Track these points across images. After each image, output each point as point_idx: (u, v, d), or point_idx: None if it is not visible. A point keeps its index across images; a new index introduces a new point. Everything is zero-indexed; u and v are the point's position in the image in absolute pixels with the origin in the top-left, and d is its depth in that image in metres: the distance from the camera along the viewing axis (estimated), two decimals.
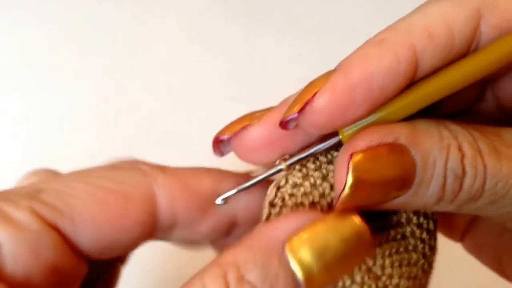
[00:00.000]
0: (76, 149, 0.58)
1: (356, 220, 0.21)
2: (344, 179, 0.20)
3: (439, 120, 0.22)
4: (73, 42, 0.66)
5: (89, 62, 0.65)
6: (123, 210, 0.24)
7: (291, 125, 0.22)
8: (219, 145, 0.25)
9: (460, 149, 0.21)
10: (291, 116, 0.22)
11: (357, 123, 0.22)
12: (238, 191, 0.25)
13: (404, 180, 0.21)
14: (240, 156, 0.25)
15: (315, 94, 0.21)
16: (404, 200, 0.21)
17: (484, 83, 0.25)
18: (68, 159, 0.56)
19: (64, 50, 0.65)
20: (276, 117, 0.23)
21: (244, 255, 0.21)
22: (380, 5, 0.66)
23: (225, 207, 0.26)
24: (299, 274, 0.21)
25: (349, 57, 0.22)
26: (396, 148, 0.20)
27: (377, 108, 0.21)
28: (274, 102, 0.25)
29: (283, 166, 0.24)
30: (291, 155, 0.24)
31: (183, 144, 0.58)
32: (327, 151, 0.24)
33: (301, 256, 0.21)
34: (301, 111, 0.21)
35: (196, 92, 0.63)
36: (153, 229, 0.25)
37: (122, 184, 0.24)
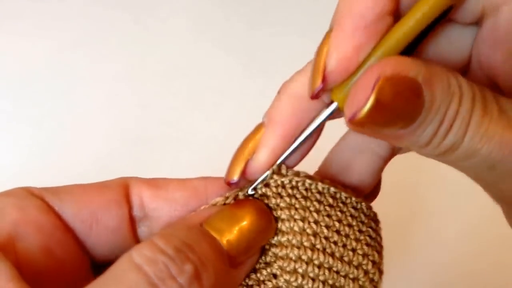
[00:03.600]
0: (90, 151, 0.60)
1: (264, 207, 0.26)
2: (365, 98, 0.22)
3: (449, 68, 0.23)
4: (81, 48, 0.67)
5: (99, 66, 0.66)
6: (101, 190, 0.28)
7: (320, 94, 0.25)
8: (233, 186, 0.28)
9: (460, 100, 0.22)
10: (318, 88, 0.24)
11: (346, 82, 0.24)
12: (262, 181, 0.27)
13: (412, 117, 0.22)
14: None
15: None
16: (400, 134, 0.23)
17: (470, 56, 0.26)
18: (82, 160, 0.57)
19: (75, 55, 0.67)
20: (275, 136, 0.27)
21: (164, 228, 0.25)
22: None
23: None
24: (218, 237, 0.24)
25: (337, 8, 0.24)
26: (413, 85, 0.22)
27: (374, 48, 0.23)
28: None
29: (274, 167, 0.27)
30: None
31: (198, 143, 0.58)
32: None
33: (216, 225, 0.24)
34: (323, 80, 0.24)
35: (204, 90, 0.63)
36: (128, 213, 0.28)
37: (101, 182, 0.28)
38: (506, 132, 0.22)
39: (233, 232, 0.24)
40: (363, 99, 0.22)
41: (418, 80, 0.22)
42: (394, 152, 0.29)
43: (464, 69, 0.27)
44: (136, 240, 0.28)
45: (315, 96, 0.25)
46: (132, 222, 0.28)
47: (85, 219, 0.27)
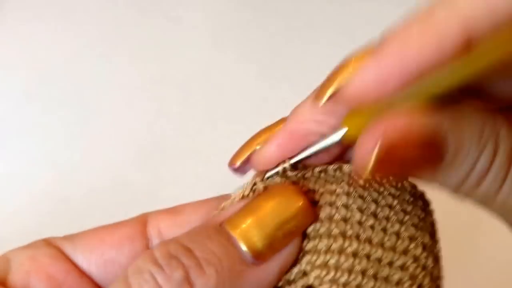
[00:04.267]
0: (105, 160, 0.59)
1: (291, 190, 0.23)
2: (367, 157, 0.20)
3: (487, 115, 0.21)
4: (95, 55, 0.67)
5: (114, 73, 0.66)
6: (114, 229, 0.27)
7: (329, 106, 0.23)
8: (236, 171, 0.26)
9: (494, 150, 0.20)
10: (325, 99, 0.22)
11: (361, 112, 0.21)
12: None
13: (431, 161, 0.20)
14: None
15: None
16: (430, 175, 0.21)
17: None
18: (96, 170, 0.57)
19: (88, 62, 0.66)
20: (287, 129, 0.24)
21: (184, 236, 0.23)
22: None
23: None
24: (242, 246, 0.22)
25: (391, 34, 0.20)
26: (428, 136, 0.19)
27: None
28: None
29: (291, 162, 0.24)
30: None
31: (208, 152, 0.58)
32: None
33: (242, 228, 0.22)
34: (334, 95, 0.22)
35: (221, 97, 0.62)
36: (145, 247, 0.27)
37: (119, 222, 0.28)
38: None
39: (252, 225, 0.22)
40: (364, 156, 0.20)
41: (440, 129, 0.19)
42: None
43: None
44: None
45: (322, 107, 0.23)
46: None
47: (98, 261, 0.26)
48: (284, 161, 0.24)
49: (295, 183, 0.24)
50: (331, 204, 0.23)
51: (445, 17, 0.18)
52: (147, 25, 0.69)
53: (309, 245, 0.23)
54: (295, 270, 0.23)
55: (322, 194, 0.23)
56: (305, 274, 0.22)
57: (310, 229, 0.23)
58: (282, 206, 0.22)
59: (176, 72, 0.65)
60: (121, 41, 0.68)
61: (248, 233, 0.22)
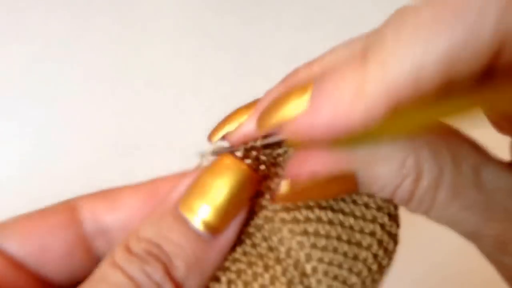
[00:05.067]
0: (75, 158, 0.59)
1: (229, 160, 0.24)
2: (283, 181, 0.22)
3: (420, 144, 0.22)
4: (61, 53, 0.66)
5: (82, 70, 0.65)
6: (44, 217, 0.27)
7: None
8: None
9: (416, 180, 0.22)
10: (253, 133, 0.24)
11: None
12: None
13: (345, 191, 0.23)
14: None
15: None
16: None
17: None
18: (68, 168, 0.56)
19: (56, 60, 0.65)
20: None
21: (142, 223, 0.24)
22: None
23: None
24: (199, 226, 0.23)
25: (323, 80, 0.21)
26: (344, 179, 0.22)
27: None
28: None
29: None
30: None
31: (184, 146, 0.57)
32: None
33: (194, 210, 0.24)
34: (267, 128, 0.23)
35: (195, 91, 0.62)
36: (78, 233, 0.27)
37: (47, 207, 0.28)
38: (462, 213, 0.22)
39: (201, 201, 0.24)
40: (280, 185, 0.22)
41: (350, 171, 0.22)
42: None
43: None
44: (94, 257, 0.28)
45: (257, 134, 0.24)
46: (86, 241, 0.27)
47: (31, 251, 0.26)
48: (255, 140, 0.25)
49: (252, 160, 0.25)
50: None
51: (373, 90, 0.19)
52: (116, 18, 0.68)
53: (289, 216, 0.24)
54: (275, 238, 0.25)
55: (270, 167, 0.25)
56: (286, 241, 0.25)
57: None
58: (227, 179, 0.24)
59: (144, 67, 0.65)
60: (87, 39, 0.67)
61: (198, 210, 0.24)
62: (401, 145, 0.22)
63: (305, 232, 0.24)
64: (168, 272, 0.23)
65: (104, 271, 0.23)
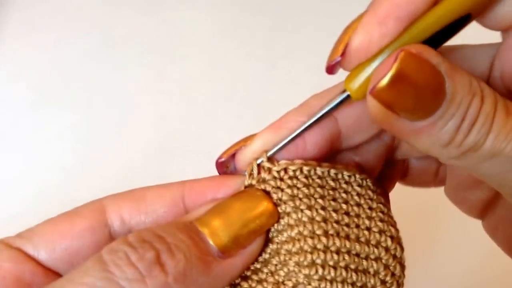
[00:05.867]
0: (111, 163, 0.60)
1: (258, 192, 0.25)
2: (387, 69, 0.22)
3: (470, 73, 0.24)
4: (96, 58, 0.68)
5: (117, 76, 0.66)
6: (72, 222, 0.27)
7: (336, 69, 0.25)
8: (220, 165, 0.28)
9: (482, 99, 0.22)
10: (336, 60, 0.24)
11: (360, 69, 0.24)
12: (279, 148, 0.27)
13: (432, 106, 0.22)
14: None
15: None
16: (421, 128, 0.23)
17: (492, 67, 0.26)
18: (103, 173, 0.57)
19: (91, 66, 0.67)
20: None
21: (155, 226, 0.24)
22: None
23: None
24: (210, 241, 0.23)
25: None
26: (435, 71, 0.22)
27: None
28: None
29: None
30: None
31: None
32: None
33: (210, 225, 0.24)
34: (343, 54, 0.24)
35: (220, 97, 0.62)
36: (106, 235, 0.27)
37: (74, 209, 0.28)
38: None
39: (220, 223, 0.24)
40: (385, 70, 0.22)
41: (440, 69, 0.22)
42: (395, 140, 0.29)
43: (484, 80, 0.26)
44: None
45: (330, 68, 0.24)
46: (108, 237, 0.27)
47: (62, 258, 0.26)
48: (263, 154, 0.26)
49: (264, 183, 0.26)
50: (310, 209, 0.25)
51: None
52: (148, 26, 0.69)
53: (295, 247, 0.24)
54: (282, 273, 0.25)
55: (300, 199, 0.25)
56: (293, 274, 0.24)
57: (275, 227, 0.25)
58: (247, 207, 0.25)
59: (179, 74, 0.66)
60: (122, 46, 0.68)
61: (215, 230, 0.24)
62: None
63: (313, 264, 0.24)
64: (159, 262, 0.22)
65: (87, 261, 0.23)
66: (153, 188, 0.28)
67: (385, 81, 0.22)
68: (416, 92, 0.22)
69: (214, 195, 0.27)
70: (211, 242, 0.24)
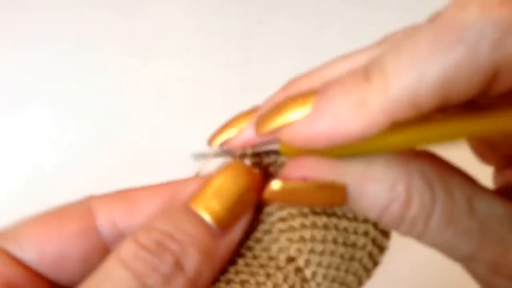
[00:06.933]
0: (88, 163, 0.59)
1: (243, 165, 0.26)
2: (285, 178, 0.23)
3: (411, 160, 0.22)
4: (71, 58, 0.67)
5: (92, 76, 0.66)
6: (61, 224, 0.26)
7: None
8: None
9: (406, 204, 0.22)
10: (258, 138, 0.25)
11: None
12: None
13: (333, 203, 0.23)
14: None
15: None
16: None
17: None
18: (81, 173, 0.57)
19: (66, 66, 0.66)
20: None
21: (151, 218, 0.25)
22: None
23: None
24: (208, 218, 0.24)
25: (328, 91, 0.21)
26: (334, 190, 0.22)
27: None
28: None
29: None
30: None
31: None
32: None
33: (204, 203, 0.25)
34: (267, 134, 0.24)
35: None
36: (95, 239, 0.27)
37: (61, 209, 0.27)
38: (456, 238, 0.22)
39: (213, 199, 0.25)
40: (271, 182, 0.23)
41: (342, 183, 0.22)
42: None
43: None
44: None
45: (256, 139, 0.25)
46: (103, 246, 0.27)
47: (50, 261, 0.26)
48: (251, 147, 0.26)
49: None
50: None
51: (375, 105, 0.20)
52: (127, 24, 0.69)
53: (285, 225, 0.25)
54: (274, 248, 0.26)
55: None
56: (285, 249, 0.25)
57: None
58: (237, 180, 0.25)
59: (155, 74, 0.66)
60: (98, 45, 0.68)
61: (210, 206, 0.24)
62: (394, 168, 0.22)
63: (302, 239, 0.25)
64: (178, 264, 0.23)
65: (108, 267, 0.23)
66: (143, 190, 0.28)
67: (270, 190, 0.23)
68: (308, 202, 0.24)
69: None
70: (209, 220, 0.24)
